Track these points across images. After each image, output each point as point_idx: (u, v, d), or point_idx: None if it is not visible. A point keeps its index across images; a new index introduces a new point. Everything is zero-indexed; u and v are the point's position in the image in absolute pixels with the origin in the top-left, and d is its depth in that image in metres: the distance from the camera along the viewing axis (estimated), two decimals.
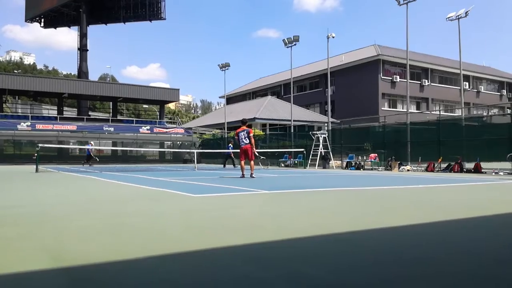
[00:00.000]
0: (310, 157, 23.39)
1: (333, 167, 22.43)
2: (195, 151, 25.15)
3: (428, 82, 43.74)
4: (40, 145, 18.92)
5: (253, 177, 11.70)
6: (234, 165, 23.08)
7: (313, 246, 3.05)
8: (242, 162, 12.23)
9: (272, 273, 2.29)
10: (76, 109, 47.75)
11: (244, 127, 12.20)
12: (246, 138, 12.11)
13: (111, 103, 49.13)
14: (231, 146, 23.28)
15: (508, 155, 15.03)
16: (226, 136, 36.45)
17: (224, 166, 23.28)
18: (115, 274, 2.31)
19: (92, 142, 29.53)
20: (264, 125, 39.56)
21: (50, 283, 2.17)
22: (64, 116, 41.95)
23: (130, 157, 37.65)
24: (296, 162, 24.75)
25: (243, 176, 11.85)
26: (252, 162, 12.17)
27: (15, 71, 71.74)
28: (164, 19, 47.71)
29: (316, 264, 2.51)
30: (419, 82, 43.24)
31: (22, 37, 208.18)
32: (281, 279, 2.20)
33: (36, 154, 17.29)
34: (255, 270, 2.37)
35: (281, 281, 2.16)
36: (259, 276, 2.25)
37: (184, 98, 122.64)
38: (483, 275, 2.34)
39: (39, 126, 35.31)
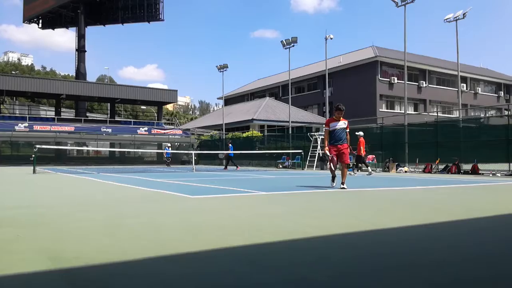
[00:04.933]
0: (308, 158, 23.39)
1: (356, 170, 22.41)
2: (193, 152, 25.15)
3: (425, 83, 43.83)
4: (37, 146, 18.88)
5: (345, 187, 8.26)
6: (226, 167, 23.22)
7: (311, 248, 3.06)
8: (334, 167, 8.74)
9: (271, 276, 2.29)
10: (74, 110, 47.64)
11: (341, 118, 8.74)
12: (344, 132, 8.70)
13: (109, 104, 49.06)
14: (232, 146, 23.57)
15: None
16: (224, 138, 36.44)
17: (226, 167, 23.24)
18: (113, 276, 2.32)
19: (169, 145, 30.49)
20: (262, 127, 39.56)
21: (48, 285, 2.17)
22: (61, 117, 41.84)
23: (128, 158, 37.59)
24: (294, 163, 24.76)
25: (333, 182, 8.73)
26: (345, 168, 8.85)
27: (13, 72, 71.62)
28: (162, 20, 47.66)
29: (315, 266, 2.52)
30: (417, 84, 43.33)
31: (18, 38, 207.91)
32: (281, 282, 2.21)
33: (33, 155, 17.24)
34: (254, 273, 2.38)
35: (282, 285, 2.17)
36: (258, 279, 2.26)
37: (182, 99, 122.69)
38: (480, 276, 2.36)
39: (37, 127, 35.20)
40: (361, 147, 16.32)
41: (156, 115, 48.80)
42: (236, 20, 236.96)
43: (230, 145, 23.96)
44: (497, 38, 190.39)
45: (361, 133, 16.87)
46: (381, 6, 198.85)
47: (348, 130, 8.80)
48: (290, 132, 29.32)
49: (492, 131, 18.32)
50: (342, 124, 8.65)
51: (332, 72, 39.40)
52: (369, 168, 16.85)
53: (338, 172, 8.91)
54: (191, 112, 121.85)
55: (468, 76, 46.96)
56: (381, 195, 7.41)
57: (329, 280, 2.24)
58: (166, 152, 28.83)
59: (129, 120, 48.01)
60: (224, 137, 36.47)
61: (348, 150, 8.74)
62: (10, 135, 33.08)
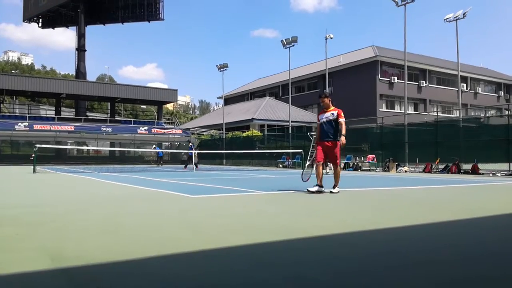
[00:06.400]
0: (308, 158, 23.34)
1: (331, 168, 22.42)
2: (194, 151, 25.10)
3: (425, 83, 43.83)
4: (37, 145, 18.88)
5: (333, 191, 7.19)
6: (186, 166, 23.21)
7: (312, 247, 3.06)
8: (320, 166, 7.37)
9: (272, 275, 2.29)
10: (74, 110, 47.67)
11: (331, 107, 7.46)
12: (331, 125, 7.32)
13: (109, 103, 49.07)
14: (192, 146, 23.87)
15: None
16: (224, 137, 36.44)
17: (185, 167, 23.03)
18: (113, 275, 2.31)
19: (154, 145, 30.60)
20: (262, 126, 39.56)
21: (49, 284, 2.17)
22: (62, 116, 41.85)
23: (128, 157, 37.61)
24: (294, 163, 24.76)
25: (320, 187, 7.20)
26: (338, 168, 7.47)
27: (13, 71, 71.59)
28: (162, 19, 47.67)
29: (315, 265, 2.52)
30: (417, 83, 43.32)
31: (18, 37, 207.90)
32: (282, 281, 2.21)
33: (33, 155, 17.24)
34: (254, 272, 2.38)
35: (282, 284, 2.17)
36: (258, 277, 2.26)
37: (182, 99, 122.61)
38: (482, 275, 2.36)
39: (37, 127, 35.22)
40: None
41: (156, 114, 48.83)
42: (235, 19, 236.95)
43: (190, 144, 24.21)
44: (497, 38, 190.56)
45: None
46: (381, 5, 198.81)
47: (341, 120, 7.27)
48: (290, 131, 29.34)
49: (492, 131, 18.32)
50: (329, 115, 7.31)
51: (332, 71, 39.40)
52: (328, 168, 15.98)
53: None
54: (191, 111, 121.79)
55: (468, 75, 46.97)
56: (381, 195, 7.41)
57: (330, 279, 2.24)
58: (159, 152, 28.89)
59: (129, 119, 48.01)
60: (224, 137, 36.47)
61: (337, 146, 7.28)
62: (10, 135, 33.09)
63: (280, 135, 32.11)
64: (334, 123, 7.28)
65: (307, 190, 7.19)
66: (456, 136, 18.27)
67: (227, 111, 43.38)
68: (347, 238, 3.41)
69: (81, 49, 45.72)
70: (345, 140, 7.25)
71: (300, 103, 46.12)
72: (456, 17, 22.15)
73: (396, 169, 18.71)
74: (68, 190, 8.56)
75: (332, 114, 7.31)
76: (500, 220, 4.55)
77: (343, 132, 7.23)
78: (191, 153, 23.25)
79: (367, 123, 26.99)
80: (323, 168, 7.71)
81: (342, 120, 7.28)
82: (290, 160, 25.35)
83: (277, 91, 53.13)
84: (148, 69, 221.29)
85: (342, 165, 21.81)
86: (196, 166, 22.73)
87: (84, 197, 6.90)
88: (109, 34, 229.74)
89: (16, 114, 42.79)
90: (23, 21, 49.64)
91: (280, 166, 25.61)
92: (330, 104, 7.43)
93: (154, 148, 30.06)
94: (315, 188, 7.16)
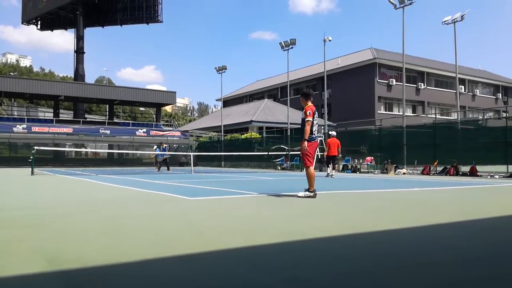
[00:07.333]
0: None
1: (331, 170, 22.40)
2: (192, 154, 25.12)
3: (424, 85, 43.92)
4: (36, 147, 18.82)
5: (300, 194, 6.81)
6: (168, 168, 22.91)
7: (311, 249, 3.06)
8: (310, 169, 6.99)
9: (271, 277, 2.29)
10: (72, 112, 47.60)
11: (307, 106, 6.92)
12: (302, 125, 6.92)
13: (107, 105, 49.01)
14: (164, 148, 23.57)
15: None
16: (222, 139, 36.42)
17: (159, 169, 22.54)
18: (112, 278, 2.31)
19: (155, 147, 30.34)
20: (261, 128, 39.56)
21: (45, 287, 2.17)
22: (60, 118, 41.77)
23: (127, 159, 37.52)
24: (292, 165, 24.76)
25: (312, 193, 6.79)
26: (308, 170, 6.97)
27: (11, 74, 71.49)
28: (161, 21, 47.68)
29: (314, 267, 2.51)
30: (415, 86, 43.41)
31: (16, 39, 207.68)
32: (282, 283, 2.20)
33: (31, 157, 17.20)
34: (253, 274, 2.37)
35: (282, 285, 2.17)
36: (258, 279, 2.25)
37: (180, 101, 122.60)
38: (481, 277, 2.36)
39: (35, 129, 35.08)
40: (333, 148, 15.94)
41: (154, 116, 48.78)
42: (234, 21, 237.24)
43: (165, 146, 23.99)
44: (495, 40, 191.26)
45: (333, 133, 16.96)
46: (379, 8, 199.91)
47: (309, 119, 6.70)
48: (289, 133, 29.33)
49: (490, 133, 18.33)
50: (302, 114, 6.95)
51: (330, 74, 39.44)
52: (329, 170, 15.74)
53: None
54: (189, 113, 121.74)
55: (466, 78, 47.08)
56: (380, 197, 7.41)
57: (329, 281, 2.24)
58: (158, 154, 28.62)
59: (127, 121, 47.89)
60: (222, 139, 36.45)
61: (302, 148, 6.80)
62: (8, 137, 32.98)
63: (279, 137, 32.10)
64: (304, 119, 6.85)
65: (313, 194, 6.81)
66: (455, 138, 18.29)
67: (226, 113, 43.38)
68: (346, 240, 3.41)
69: (79, 51, 45.69)
70: (306, 146, 6.75)
71: (298, 105, 45.73)
72: (454, 19, 22.19)
73: (395, 171, 18.71)
74: (67, 192, 8.54)
75: (303, 113, 6.93)
76: (499, 222, 4.55)
77: (305, 135, 6.73)
78: (165, 154, 23.03)
79: (365, 125, 27.01)
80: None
81: (306, 120, 6.74)
82: (288, 162, 25.33)
83: (276, 93, 53.16)
84: (146, 71, 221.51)
85: (341, 167, 21.84)
86: (158, 169, 22.31)
87: (82, 199, 6.89)
88: (108, 36, 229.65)
89: (15, 116, 42.69)
90: (22, 23, 49.68)
91: (279, 168, 25.60)
92: (304, 103, 6.99)
93: (155, 149, 29.94)
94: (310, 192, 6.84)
